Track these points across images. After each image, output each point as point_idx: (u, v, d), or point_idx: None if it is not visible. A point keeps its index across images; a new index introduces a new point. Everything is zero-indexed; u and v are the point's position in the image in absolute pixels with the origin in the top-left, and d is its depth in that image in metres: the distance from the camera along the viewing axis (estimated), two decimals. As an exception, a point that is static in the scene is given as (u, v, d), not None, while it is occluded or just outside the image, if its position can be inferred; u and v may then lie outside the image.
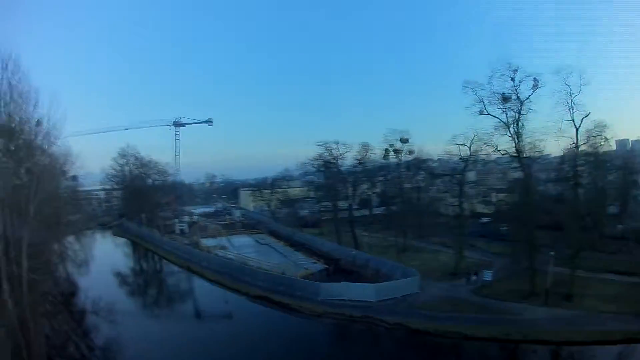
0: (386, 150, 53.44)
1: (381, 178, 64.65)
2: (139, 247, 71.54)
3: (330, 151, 53.53)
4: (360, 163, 55.69)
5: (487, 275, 34.61)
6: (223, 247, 58.36)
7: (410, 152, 53.06)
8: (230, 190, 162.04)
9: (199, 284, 45.88)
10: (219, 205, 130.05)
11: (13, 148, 25.40)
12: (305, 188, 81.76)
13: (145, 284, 53.31)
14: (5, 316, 20.31)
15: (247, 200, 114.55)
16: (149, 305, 42.15)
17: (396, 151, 52.07)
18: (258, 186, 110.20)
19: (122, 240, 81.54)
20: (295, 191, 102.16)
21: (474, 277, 35.62)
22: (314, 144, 54.63)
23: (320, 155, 55.11)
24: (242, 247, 59.16)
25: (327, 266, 43.51)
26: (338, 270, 42.85)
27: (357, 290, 32.39)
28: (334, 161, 53.92)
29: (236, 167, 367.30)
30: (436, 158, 61.79)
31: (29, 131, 28.92)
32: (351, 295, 32.20)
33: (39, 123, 28.57)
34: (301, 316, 31.70)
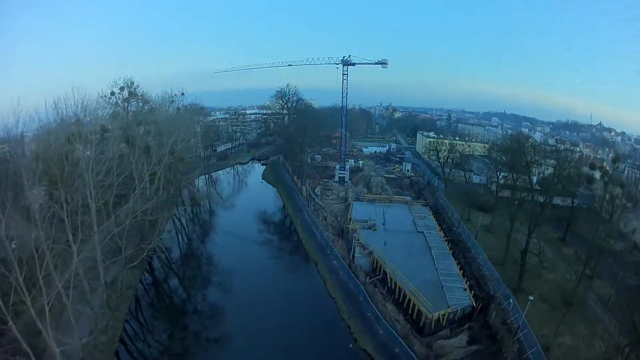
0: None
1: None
2: (281, 204, 67.60)
3: (519, 138, 54.19)
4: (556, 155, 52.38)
5: None
6: (372, 227, 50.03)
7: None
8: (410, 125, 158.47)
9: (315, 294, 38.03)
10: (394, 145, 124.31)
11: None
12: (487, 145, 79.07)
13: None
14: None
15: (422, 144, 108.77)
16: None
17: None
18: (437, 130, 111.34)
19: (268, 188, 78.53)
20: (476, 146, 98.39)
21: None
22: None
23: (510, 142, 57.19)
24: (393, 231, 49.46)
25: (474, 305, 33.19)
26: (481, 318, 32.53)
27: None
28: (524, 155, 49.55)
29: (408, 97, 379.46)
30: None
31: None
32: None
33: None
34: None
